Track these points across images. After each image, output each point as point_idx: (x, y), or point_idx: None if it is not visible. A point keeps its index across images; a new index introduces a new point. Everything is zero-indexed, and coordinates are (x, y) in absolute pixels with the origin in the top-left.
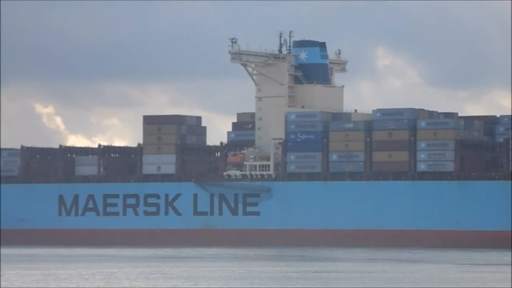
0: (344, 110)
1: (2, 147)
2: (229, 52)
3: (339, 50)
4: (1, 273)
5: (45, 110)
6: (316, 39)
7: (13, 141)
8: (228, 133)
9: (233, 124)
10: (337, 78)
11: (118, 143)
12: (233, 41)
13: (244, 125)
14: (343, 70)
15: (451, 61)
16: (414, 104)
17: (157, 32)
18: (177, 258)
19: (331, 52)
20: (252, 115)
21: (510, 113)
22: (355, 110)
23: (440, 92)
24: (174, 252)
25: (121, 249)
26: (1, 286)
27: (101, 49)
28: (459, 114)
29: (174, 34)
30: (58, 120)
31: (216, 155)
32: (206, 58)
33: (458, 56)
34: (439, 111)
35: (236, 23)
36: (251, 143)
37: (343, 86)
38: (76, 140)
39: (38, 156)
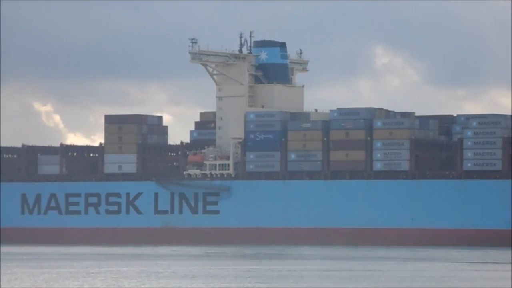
0: (305, 110)
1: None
2: (189, 52)
3: (301, 50)
4: (0, 272)
5: (43, 108)
6: (279, 40)
7: (13, 139)
8: (191, 132)
9: (196, 123)
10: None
11: None
12: (193, 41)
13: (207, 124)
14: (305, 70)
15: (450, 59)
16: (412, 103)
17: (154, 31)
18: (132, 255)
19: (292, 52)
20: (215, 114)
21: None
22: (316, 110)
23: (439, 91)
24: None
25: (84, 247)
26: None
27: (98, 48)
28: (458, 113)
29: (165, 33)
30: (57, 118)
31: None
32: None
33: (457, 54)
34: (438, 110)
35: (197, 23)
36: (212, 142)
37: (303, 86)
38: (75, 139)
39: (4, 156)
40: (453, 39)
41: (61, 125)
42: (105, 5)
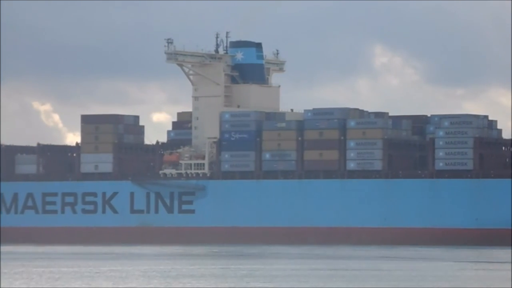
0: (280, 110)
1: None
2: (165, 53)
3: (277, 50)
4: (1, 272)
5: (42, 107)
6: (256, 40)
7: (12, 139)
8: (168, 132)
9: (173, 123)
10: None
11: None
12: (169, 41)
13: (184, 124)
14: (281, 70)
15: (449, 59)
16: (412, 102)
17: (152, 31)
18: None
19: (269, 53)
20: (192, 114)
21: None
22: (292, 110)
23: (438, 90)
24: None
25: (61, 246)
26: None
27: (97, 47)
28: (457, 112)
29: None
30: (56, 117)
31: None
32: None
33: (456, 54)
34: (437, 110)
35: (172, 23)
36: (189, 142)
37: (279, 86)
38: (75, 138)
39: None
40: (452, 39)
41: (60, 125)
42: (104, 5)
